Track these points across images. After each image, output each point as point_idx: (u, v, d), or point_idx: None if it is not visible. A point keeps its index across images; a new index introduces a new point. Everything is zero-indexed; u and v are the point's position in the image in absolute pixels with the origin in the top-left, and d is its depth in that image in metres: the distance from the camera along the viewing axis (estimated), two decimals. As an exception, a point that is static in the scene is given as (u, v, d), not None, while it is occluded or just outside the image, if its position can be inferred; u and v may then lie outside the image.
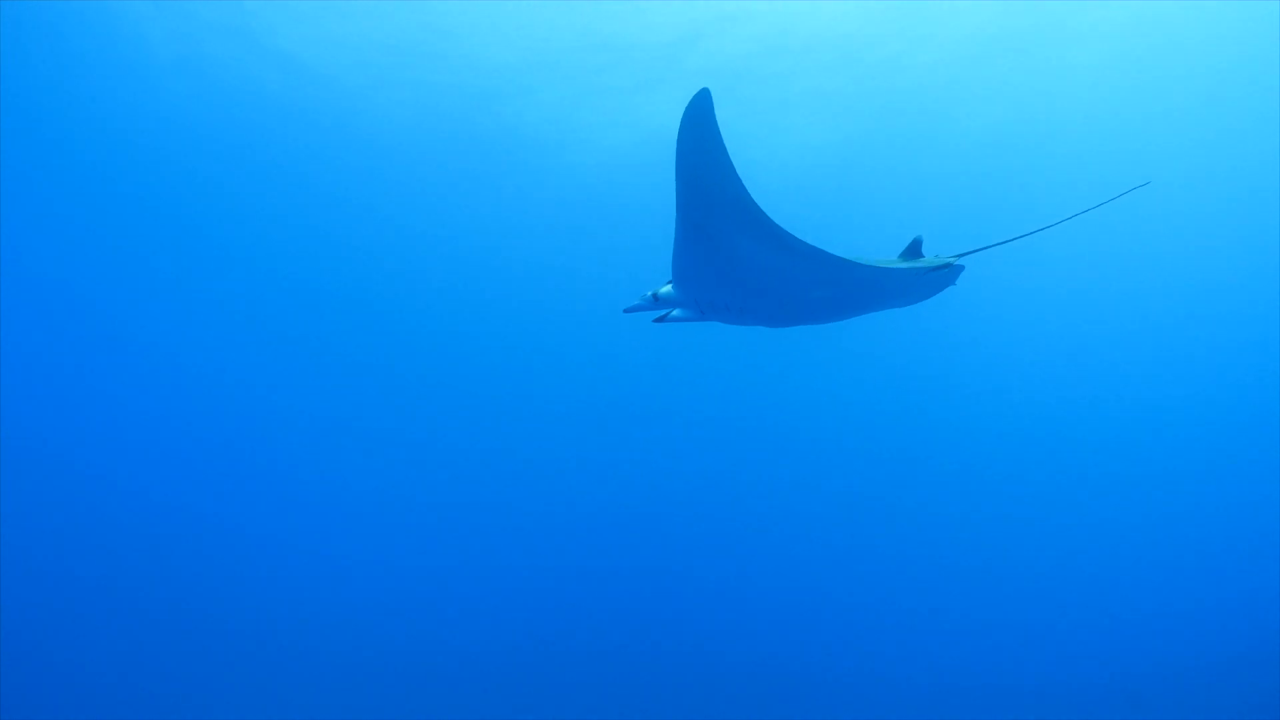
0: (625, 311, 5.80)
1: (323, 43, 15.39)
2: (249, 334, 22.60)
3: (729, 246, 4.73)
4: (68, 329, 21.14)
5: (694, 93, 3.83)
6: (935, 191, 20.01)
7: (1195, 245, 21.87)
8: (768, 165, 18.16)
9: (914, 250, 5.32)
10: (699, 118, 4.00)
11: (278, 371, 22.77)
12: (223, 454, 21.10)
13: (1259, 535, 18.01)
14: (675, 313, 5.58)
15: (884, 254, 5.49)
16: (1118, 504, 20.29)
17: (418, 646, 15.80)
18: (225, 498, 20.03)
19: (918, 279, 5.21)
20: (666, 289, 5.42)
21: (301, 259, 22.52)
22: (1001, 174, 19.71)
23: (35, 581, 15.90)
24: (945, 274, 5.25)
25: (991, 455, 22.07)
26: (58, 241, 20.14)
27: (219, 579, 17.16)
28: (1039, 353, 23.88)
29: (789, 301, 5.29)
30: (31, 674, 13.97)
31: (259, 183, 20.26)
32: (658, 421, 23.01)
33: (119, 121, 17.74)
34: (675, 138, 4.01)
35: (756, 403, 23.24)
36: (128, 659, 14.69)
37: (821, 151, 18.41)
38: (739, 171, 4.17)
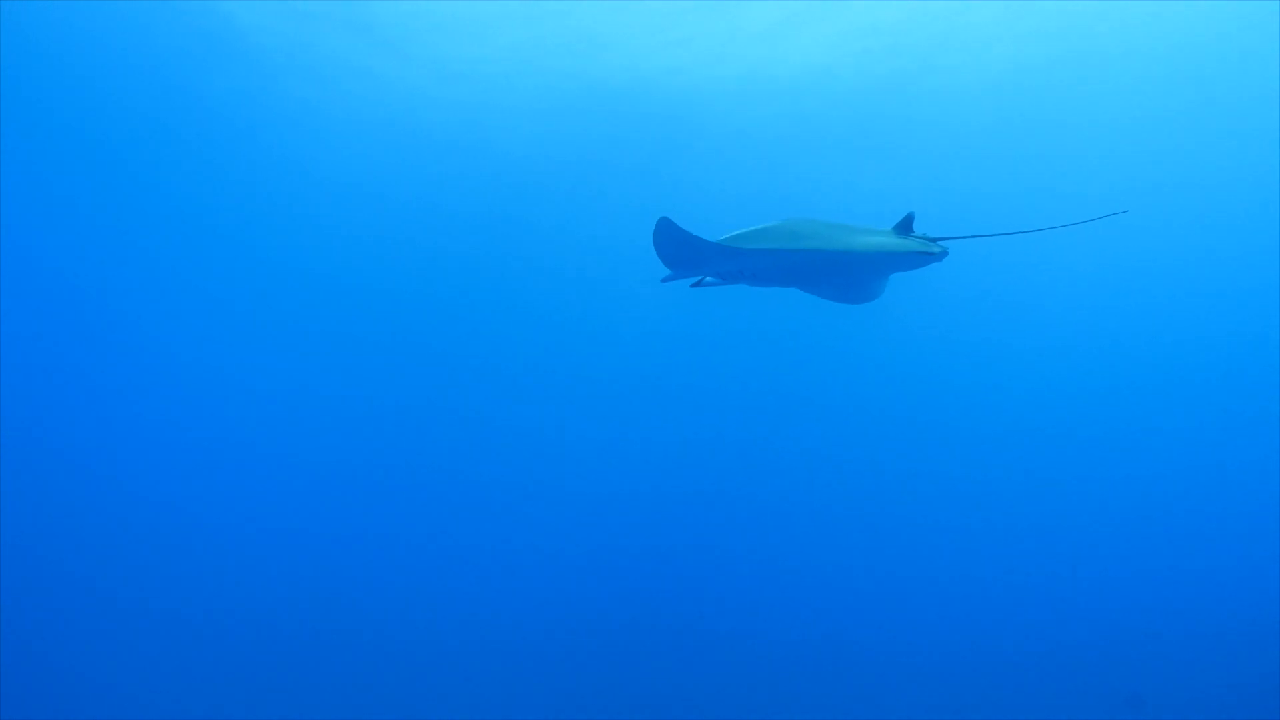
0: (662, 281, 6.07)
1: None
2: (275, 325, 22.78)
3: (719, 271, 6.00)
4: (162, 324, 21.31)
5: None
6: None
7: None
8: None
9: (905, 225, 5.73)
10: (661, 234, 5.47)
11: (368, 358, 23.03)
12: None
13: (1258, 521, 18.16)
14: (709, 279, 6.08)
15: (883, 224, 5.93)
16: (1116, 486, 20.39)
17: (436, 634, 16.04)
18: (243, 478, 20.15)
19: (899, 260, 5.66)
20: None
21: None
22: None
23: (37, 578, 15.89)
24: (928, 257, 5.63)
25: (995, 442, 22.05)
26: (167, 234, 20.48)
27: (223, 569, 17.17)
28: (1035, 333, 23.89)
29: (789, 279, 6.02)
30: (31, 673, 14.01)
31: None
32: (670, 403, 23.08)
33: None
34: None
35: (764, 386, 23.24)
36: (133, 657, 14.74)
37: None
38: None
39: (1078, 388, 22.72)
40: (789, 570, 18.69)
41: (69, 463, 18.68)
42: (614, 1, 15.12)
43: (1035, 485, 20.75)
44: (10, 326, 19.15)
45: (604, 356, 23.58)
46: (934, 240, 5.66)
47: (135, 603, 15.92)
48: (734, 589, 17.79)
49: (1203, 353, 23.00)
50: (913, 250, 5.54)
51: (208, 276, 21.44)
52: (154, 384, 20.67)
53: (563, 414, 22.45)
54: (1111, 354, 23.41)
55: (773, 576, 18.43)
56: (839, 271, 5.82)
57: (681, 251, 5.68)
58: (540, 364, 23.49)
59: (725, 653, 15.82)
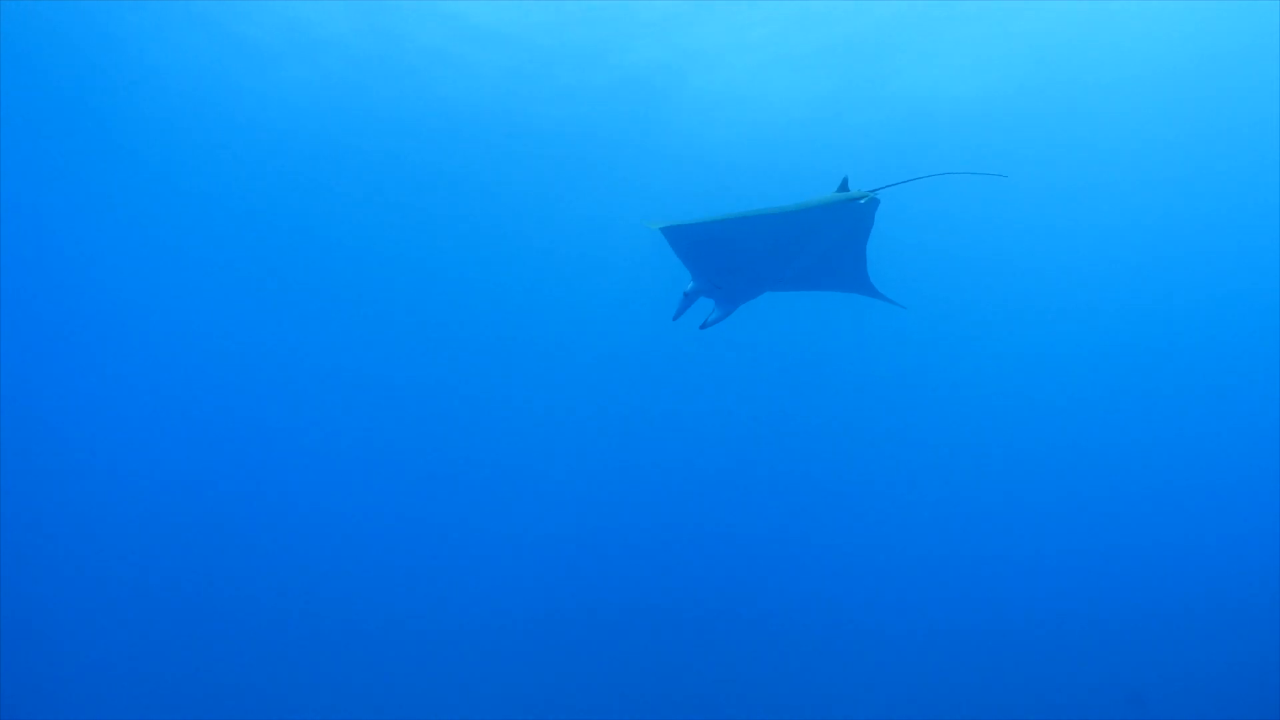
0: (674, 319, 6.80)
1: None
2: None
3: (702, 278, 6.64)
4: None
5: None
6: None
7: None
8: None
9: (843, 186, 6.15)
10: (666, 235, 6.23)
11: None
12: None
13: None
14: (713, 315, 6.67)
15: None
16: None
17: (441, 623, 16.30)
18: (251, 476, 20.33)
19: (833, 212, 6.09)
20: (691, 285, 6.64)
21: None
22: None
23: (42, 577, 15.97)
24: (866, 206, 6.04)
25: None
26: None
27: (227, 567, 17.29)
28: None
29: (763, 254, 6.42)
30: (34, 672, 14.11)
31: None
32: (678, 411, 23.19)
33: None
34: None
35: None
36: (140, 656, 14.91)
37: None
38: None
39: (1080, 386, 22.76)
40: (791, 564, 18.86)
41: (69, 456, 18.75)
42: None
43: (1035, 483, 20.87)
44: (17, 318, 19.24)
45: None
46: (868, 193, 6.06)
47: (135, 597, 16.02)
48: (739, 582, 17.99)
49: (1203, 350, 23.07)
50: (840, 200, 6.00)
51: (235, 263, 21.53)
52: (178, 375, 20.82)
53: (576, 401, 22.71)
54: (1113, 348, 23.45)
55: (775, 569, 18.60)
56: (790, 239, 6.28)
57: (679, 241, 6.42)
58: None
59: (726, 643, 16.04)
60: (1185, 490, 19.96)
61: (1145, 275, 22.84)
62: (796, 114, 17.78)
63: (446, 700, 14.29)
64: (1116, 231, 21.88)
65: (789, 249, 6.34)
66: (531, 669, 15.12)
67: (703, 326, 6.66)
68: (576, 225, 21.98)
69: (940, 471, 21.46)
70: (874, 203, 5.97)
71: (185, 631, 15.47)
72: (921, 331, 22.90)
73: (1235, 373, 21.97)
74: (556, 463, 21.17)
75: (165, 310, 20.75)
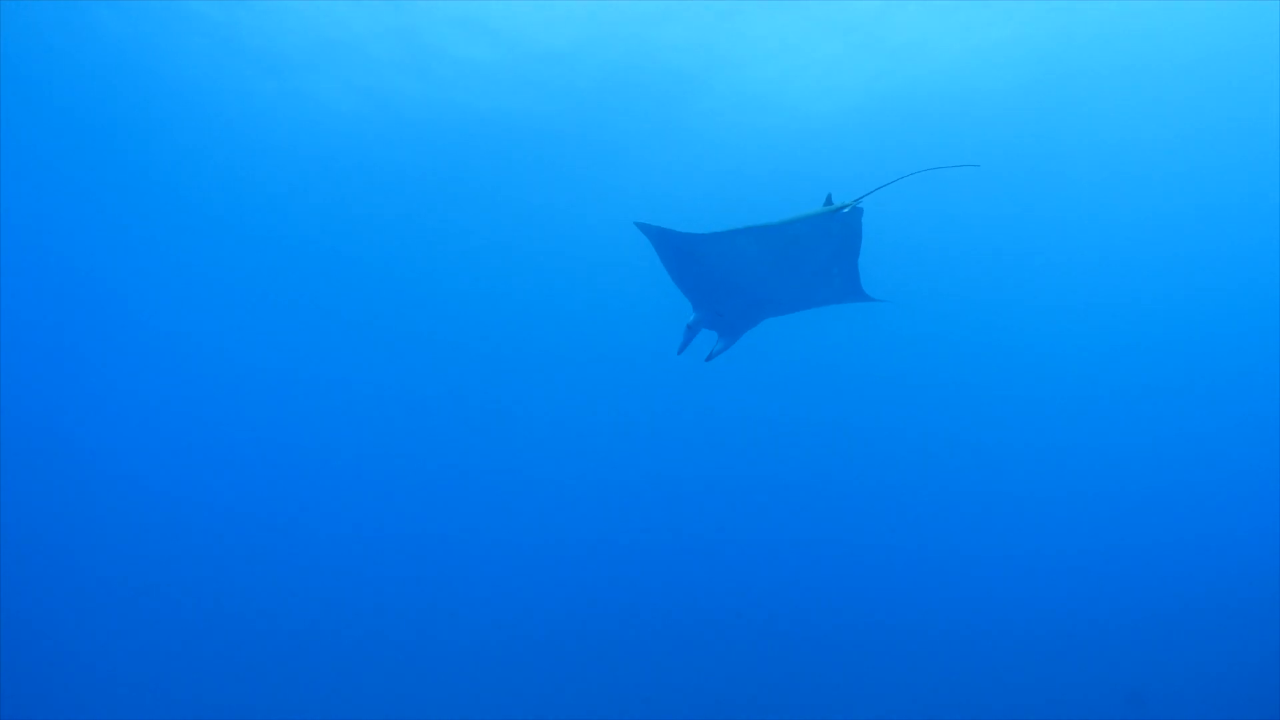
0: (679, 354, 6.89)
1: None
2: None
3: (702, 306, 6.69)
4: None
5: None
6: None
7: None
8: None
9: (828, 203, 6.15)
10: (649, 235, 6.19)
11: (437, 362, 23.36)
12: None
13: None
14: (717, 346, 6.78)
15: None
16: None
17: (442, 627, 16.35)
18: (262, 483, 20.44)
19: (822, 223, 6.07)
20: (693, 317, 6.75)
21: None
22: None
23: (41, 577, 16.04)
24: (850, 216, 6.04)
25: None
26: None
27: (231, 572, 17.37)
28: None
29: (755, 272, 6.42)
30: (34, 672, 14.18)
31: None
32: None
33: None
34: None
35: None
36: (143, 656, 14.97)
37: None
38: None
39: (1081, 386, 22.81)
40: (791, 564, 18.91)
41: (71, 458, 18.84)
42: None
43: (1035, 484, 20.91)
44: (17, 319, 19.34)
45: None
46: (850, 203, 6.08)
47: (135, 597, 16.12)
48: (744, 584, 18.05)
49: (1204, 350, 23.10)
50: (824, 213, 6.04)
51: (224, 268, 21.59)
52: (171, 377, 20.89)
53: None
54: (1116, 348, 23.49)
55: (777, 571, 18.66)
56: (776, 255, 6.29)
57: (666, 250, 6.41)
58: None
59: (734, 645, 16.10)
60: (1185, 490, 20.01)
61: (1150, 273, 22.94)
62: (824, 117, 17.82)
63: (459, 703, 14.35)
64: (1127, 227, 21.95)
65: (778, 267, 6.32)
66: (541, 674, 15.19)
67: (708, 359, 6.79)
68: (604, 230, 22.11)
69: (941, 473, 21.52)
70: (857, 212, 5.92)
71: (190, 633, 15.56)
72: (927, 331, 22.98)
73: (1234, 373, 22.01)
74: (577, 466, 21.31)
75: (186, 317, 20.98)
